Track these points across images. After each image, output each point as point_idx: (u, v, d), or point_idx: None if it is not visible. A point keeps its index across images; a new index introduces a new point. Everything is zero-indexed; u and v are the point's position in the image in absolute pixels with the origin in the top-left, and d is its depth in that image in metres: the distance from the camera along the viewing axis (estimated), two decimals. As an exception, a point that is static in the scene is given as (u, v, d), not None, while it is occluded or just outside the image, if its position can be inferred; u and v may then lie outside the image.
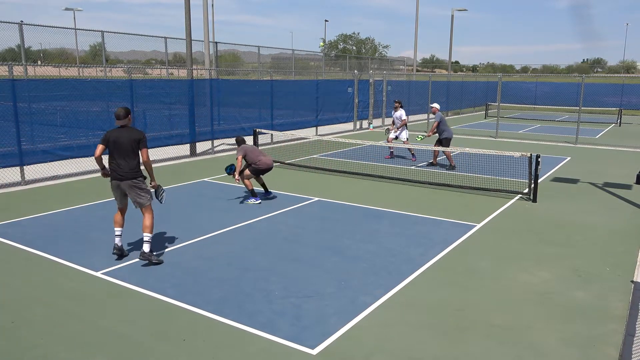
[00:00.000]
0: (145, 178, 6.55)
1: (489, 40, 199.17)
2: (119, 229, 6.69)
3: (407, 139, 14.46)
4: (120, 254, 6.64)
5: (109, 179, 6.61)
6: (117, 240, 6.66)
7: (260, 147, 14.15)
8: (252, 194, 9.55)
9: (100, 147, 6.39)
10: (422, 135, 13.52)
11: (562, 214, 9.07)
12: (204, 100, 15.58)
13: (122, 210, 6.76)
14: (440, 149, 12.84)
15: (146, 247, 6.39)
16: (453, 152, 13.37)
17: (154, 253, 6.60)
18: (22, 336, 4.73)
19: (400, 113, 14.27)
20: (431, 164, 13.68)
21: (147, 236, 6.41)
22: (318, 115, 20.54)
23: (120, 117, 6.42)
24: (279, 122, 18.45)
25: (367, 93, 23.45)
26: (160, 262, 6.45)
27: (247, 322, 4.99)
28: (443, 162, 13.82)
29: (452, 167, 13.18)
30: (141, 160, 6.48)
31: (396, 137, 14.45)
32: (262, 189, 9.91)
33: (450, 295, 5.70)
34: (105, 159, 6.50)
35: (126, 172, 6.37)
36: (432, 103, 13.83)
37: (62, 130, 12.57)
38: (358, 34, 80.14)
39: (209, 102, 15.67)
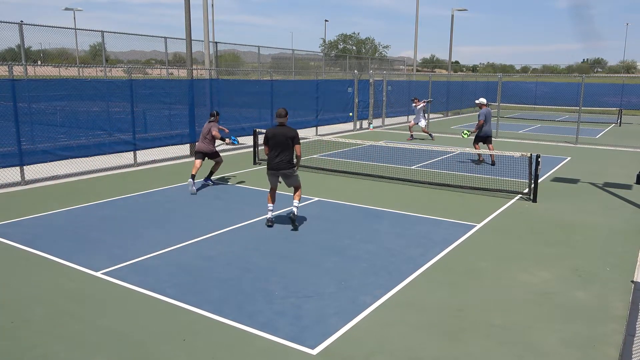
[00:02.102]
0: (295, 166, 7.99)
1: (489, 40, 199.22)
2: (271, 205, 8.09)
3: (426, 125, 19.71)
4: (271, 225, 8.02)
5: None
6: (269, 214, 8.09)
7: (260, 147, 14.17)
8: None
9: (266, 149, 7.91)
10: (468, 132, 13.83)
11: (562, 214, 9.07)
12: (204, 100, 15.58)
13: (274, 189, 8.13)
14: (477, 151, 12.84)
15: (295, 210, 7.91)
16: (453, 152, 13.37)
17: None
18: (22, 336, 4.73)
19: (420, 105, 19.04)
20: (479, 162, 13.90)
21: (296, 202, 7.96)
22: (318, 115, 20.54)
23: (281, 116, 7.74)
24: (279, 122, 18.42)
25: (367, 93, 23.45)
26: (296, 228, 7.85)
27: (247, 322, 4.99)
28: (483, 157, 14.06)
29: (479, 162, 13.78)
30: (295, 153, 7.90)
31: (416, 124, 19.34)
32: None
33: (450, 295, 5.70)
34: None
35: (282, 164, 7.79)
36: (477, 99, 14.24)
37: (62, 130, 12.56)
38: (358, 34, 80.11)
39: (209, 102, 15.67)
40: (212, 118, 10.74)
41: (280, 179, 8.06)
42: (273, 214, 8.27)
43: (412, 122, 19.54)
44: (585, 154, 16.50)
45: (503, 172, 12.35)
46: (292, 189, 8.17)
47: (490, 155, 13.27)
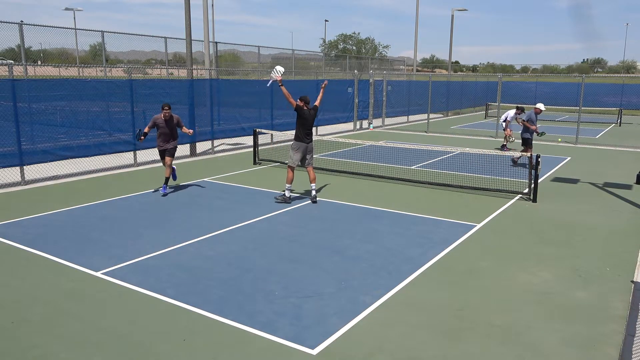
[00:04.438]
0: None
1: (489, 40, 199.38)
2: (291, 185, 9.51)
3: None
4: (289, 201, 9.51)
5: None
6: (288, 192, 9.50)
7: (260, 147, 14.14)
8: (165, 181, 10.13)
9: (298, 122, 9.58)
10: (542, 133, 13.90)
11: (562, 214, 9.07)
12: (204, 100, 15.57)
13: (295, 167, 9.53)
14: (512, 154, 12.79)
15: (314, 192, 9.57)
16: (454, 152, 13.37)
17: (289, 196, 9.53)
18: (22, 336, 4.73)
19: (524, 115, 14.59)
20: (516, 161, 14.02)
21: (314, 186, 9.57)
22: (318, 115, 20.50)
23: (308, 102, 9.47)
24: (279, 122, 18.45)
25: (367, 93, 23.45)
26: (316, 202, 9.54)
27: (247, 322, 4.99)
28: (523, 160, 13.49)
29: (515, 164, 13.79)
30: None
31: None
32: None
33: (450, 295, 5.70)
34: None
35: (310, 140, 9.57)
36: (537, 104, 14.10)
37: (62, 130, 12.56)
38: (358, 34, 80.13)
39: (209, 102, 15.66)
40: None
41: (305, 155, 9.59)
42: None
43: (508, 129, 16.77)
44: (585, 154, 16.49)
45: (503, 172, 12.34)
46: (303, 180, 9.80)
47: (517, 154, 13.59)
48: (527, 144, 13.28)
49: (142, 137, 9.90)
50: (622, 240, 7.69)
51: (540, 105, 13.53)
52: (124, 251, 6.84)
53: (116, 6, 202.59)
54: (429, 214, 8.94)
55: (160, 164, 11.83)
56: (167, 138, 9.97)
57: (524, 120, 13.39)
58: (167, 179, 10.02)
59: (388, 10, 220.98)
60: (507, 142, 16.73)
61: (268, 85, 9.86)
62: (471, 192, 10.61)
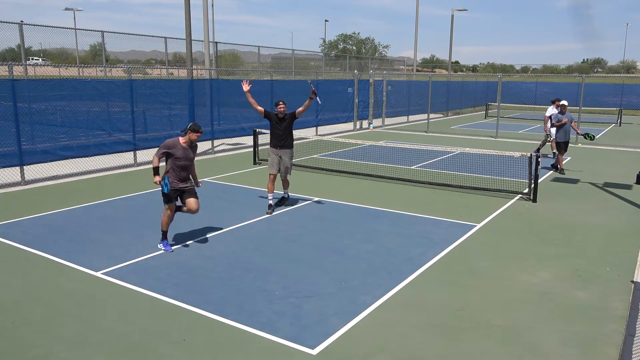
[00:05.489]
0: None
1: (489, 40, 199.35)
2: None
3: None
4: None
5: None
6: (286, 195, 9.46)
7: (260, 147, 14.11)
8: (163, 235, 6.96)
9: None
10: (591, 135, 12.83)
11: (562, 214, 9.07)
12: (204, 100, 15.57)
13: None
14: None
15: (286, 195, 9.46)
16: (454, 152, 13.37)
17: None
18: (22, 336, 4.73)
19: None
20: (560, 170, 13.04)
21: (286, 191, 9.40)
22: (318, 115, 20.53)
23: (285, 104, 9.47)
24: (279, 122, 18.42)
25: (367, 93, 23.45)
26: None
27: (247, 322, 4.99)
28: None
29: (561, 171, 12.98)
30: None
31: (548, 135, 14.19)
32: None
33: (450, 295, 5.70)
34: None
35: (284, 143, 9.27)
36: (559, 100, 13.26)
37: (62, 130, 12.57)
38: (358, 34, 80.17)
39: (209, 102, 15.66)
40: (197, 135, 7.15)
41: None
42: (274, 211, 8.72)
43: (553, 137, 13.57)
44: (585, 154, 16.49)
45: (503, 172, 12.34)
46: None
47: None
48: (559, 147, 13.09)
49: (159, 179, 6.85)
50: (622, 240, 7.69)
51: (562, 102, 13.03)
52: (124, 251, 6.84)
53: (116, 6, 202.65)
54: (429, 214, 8.94)
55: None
56: (185, 174, 6.93)
57: (554, 123, 12.98)
58: (165, 232, 6.98)
59: (388, 10, 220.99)
60: (552, 149, 13.92)
61: (320, 102, 9.41)
62: (471, 192, 10.61)
